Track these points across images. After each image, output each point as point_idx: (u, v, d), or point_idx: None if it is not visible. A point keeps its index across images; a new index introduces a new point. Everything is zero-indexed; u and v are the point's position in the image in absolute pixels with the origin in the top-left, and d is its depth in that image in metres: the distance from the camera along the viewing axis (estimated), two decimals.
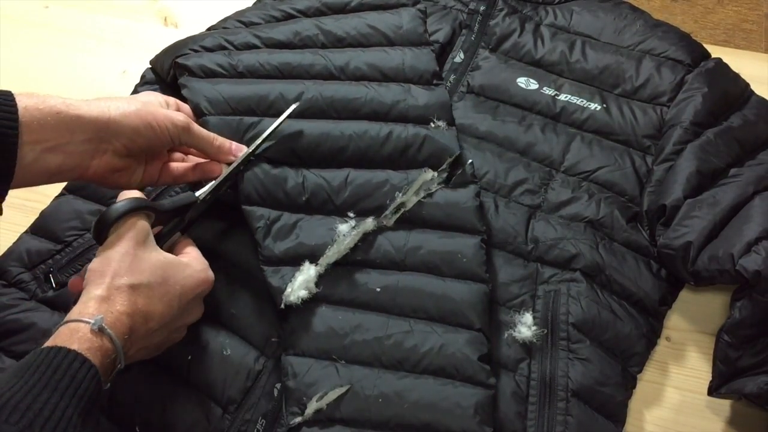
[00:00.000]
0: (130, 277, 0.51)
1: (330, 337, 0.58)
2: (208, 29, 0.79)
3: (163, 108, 0.60)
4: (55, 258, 0.66)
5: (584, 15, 0.80)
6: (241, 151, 0.63)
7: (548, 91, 0.75)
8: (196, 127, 0.60)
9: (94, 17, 0.92)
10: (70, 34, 0.90)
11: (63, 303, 0.63)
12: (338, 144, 0.66)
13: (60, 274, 0.65)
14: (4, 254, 0.67)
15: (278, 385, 0.59)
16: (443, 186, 0.66)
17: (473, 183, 0.65)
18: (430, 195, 0.65)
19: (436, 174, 0.65)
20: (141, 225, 0.54)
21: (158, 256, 0.54)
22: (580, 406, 0.58)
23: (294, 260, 0.61)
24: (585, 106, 0.74)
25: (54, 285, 0.64)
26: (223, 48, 0.73)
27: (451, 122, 0.70)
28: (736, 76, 0.75)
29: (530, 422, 0.58)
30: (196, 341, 0.61)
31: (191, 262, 0.57)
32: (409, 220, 0.64)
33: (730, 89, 0.73)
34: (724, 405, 0.62)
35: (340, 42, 0.74)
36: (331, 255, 0.61)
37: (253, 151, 0.64)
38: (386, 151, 0.66)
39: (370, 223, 0.63)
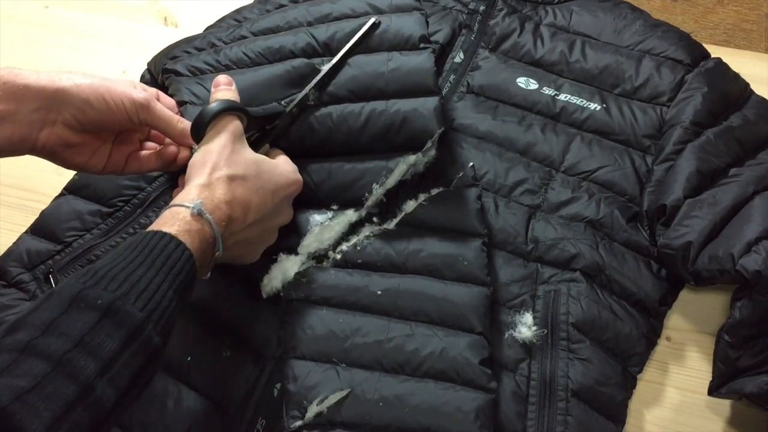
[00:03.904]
0: (229, 169, 0.54)
1: (330, 340, 0.58)
2: (206, 29, 0.79)
3: (129, 88, 0.58)
4: (55, 258, 0.66)
5: (584, 15, 0.80)
6: None
7: (548, 91, 0.75)
8: (158, 106, 0.59)
9: (94, 17, 0.92)
10: (70, 34, 0.90)
11: None
12: (319, 137, 0.65)
13: (60, 275, 0.65)
14: (4, 254, 0.67)
15: (278, 386, 0.59)
16: (440, 188, 0.65)
17: (474, 186, 0.65)
18: (431, 198, 0.65)
19: (420, 155, 0.64)
20: (236, 123, 0.57)
21: (252, 153, 0.57)
22: (580, 406, 0.58)
23: (275, 253, 0.62)
24: (585, 105, 0.73)
25: (54, 286, 0.64)
26: (213, 45, 0.72)
27: (434, 91, 0.65)
28: (736, 75, 0.75)
29: (530, 422, 0.58)
30: (196, 342, 0.61)
31: (282, 163, 0.60)
32: (410, 223, 0.64)
33: (730, 89, 0.73)
34: (725, 405, 0.62)
35: (326, 17, 0.71)
36: (309, 244, 0.62)
37: (331, 70, 0.65)
38: (365, 139, 0.64)
39: (351, 214, 0.64)
